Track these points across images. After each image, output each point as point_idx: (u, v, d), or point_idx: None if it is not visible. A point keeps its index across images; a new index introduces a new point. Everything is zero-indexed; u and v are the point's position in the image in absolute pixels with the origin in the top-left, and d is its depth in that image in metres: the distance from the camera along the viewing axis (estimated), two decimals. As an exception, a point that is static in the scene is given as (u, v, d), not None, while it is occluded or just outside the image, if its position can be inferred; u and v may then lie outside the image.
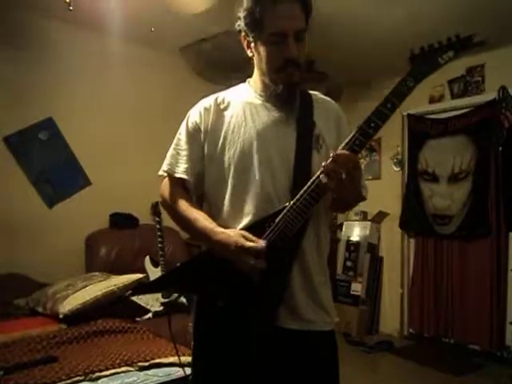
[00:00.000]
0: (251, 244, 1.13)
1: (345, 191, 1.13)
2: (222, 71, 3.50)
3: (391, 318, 4.49)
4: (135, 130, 3.75)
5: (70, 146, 3.48)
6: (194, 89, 3.02)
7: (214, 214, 1.27)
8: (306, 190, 1.14)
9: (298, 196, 1.14)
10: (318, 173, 1.12)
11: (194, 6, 2.96)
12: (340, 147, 1.11)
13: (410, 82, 1.10)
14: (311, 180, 1.13)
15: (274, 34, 1.18)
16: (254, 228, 1.18)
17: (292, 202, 1.15)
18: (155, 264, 3.30)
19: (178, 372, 1.98)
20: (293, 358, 1.22)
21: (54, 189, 3.40)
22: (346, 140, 1.11)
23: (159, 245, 3.19)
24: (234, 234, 1.17)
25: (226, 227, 1.21)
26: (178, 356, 1.70)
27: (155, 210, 3.22)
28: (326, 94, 1.41)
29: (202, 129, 1.29)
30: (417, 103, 4.09)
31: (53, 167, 3.40)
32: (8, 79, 3.19)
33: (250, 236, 1.15)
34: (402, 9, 3.07)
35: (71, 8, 2.76)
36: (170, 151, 1.34)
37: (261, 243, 1.13)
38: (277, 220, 1.16)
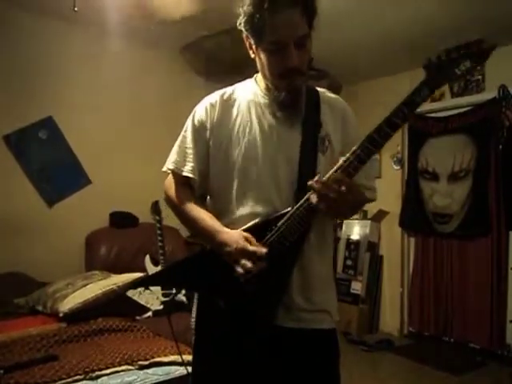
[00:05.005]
0: (252, 248, 1.13)
1: (338, 210, 1.13)
2: (223, 70, 3.49)
3: (391, 316, 4.49)
4: (135, 129, 3.75)
5: (69, 145, 3.47)
6: (193, 88, 3.02)
7: (218, 214, 1.27)
8: (308, 197, 1.13)
9: (301, 201, 1.14)
10: (309, 194, 1.10)
11: (173, 12, 2.97)
12: (348, 154, 1.08)
13: (423, 92, 1.05)
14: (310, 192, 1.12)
15: (273, 42, 1.15)
16: (255, 230, 1.18)
17: (295, 208, 1.14)
18: (155, 263, 3.30)
19: (177, 371, 1.98)
20: (292, 355, 1.22)
21: (53, 188, 3.39)
22: (354, 148, 1.08)
23: (159, 243, 3.19)
24: (238, 235, 1.17)
25: (229, 227, 1.21)
26: (179, 352, 1.69)
27: (155, 208, 3.22)
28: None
29: (208, 126, 1.28)
30: (417, 102, 4.08)
31: (53, 166, 3.40)
32: (8, 78, 3.19)
33: (253, 240, 1.15)
34: (402, 9, 3.06)
35: (76, 9, 2.75)
36: (175, 148, 1.33)
37: (262, 249, 1.13)
38: (279, 224, 1.16)
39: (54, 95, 3.37)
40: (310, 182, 1.08)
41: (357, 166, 1.08)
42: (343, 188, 1.05)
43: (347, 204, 1.11)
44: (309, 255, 1.22)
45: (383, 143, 1.07)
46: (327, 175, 1.09)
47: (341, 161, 1.09)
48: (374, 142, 1.07)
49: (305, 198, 1.13)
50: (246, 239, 1.15)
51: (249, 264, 1.11)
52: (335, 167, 1.09)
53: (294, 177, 1.20)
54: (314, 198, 1.09)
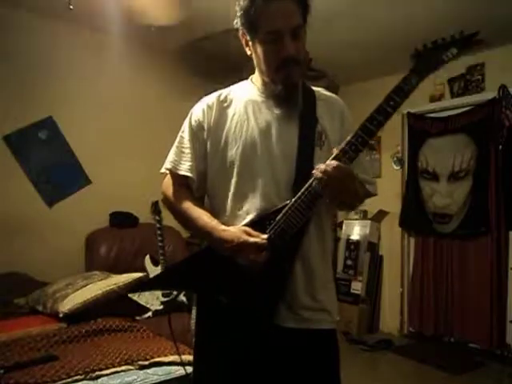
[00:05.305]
0: (253, 239, 1.14)
1: (339, 197, 1.16)
2: (222, 70, 3.49)
3: (391, 316, 4.49)
4: (135, 129, 3.75)
5: (69, 145, 3.47)
6: (193, 88, 3.01)
7: (216, 212, 1.27)
8: (306, 188, 1.14)
9: (298, 194, 1.15)
10: (311, 180, 1.12)
11: (161, 19, 2.98)
12: (342, 144, 1.11)
13: (413, 79, 1.08)
14: (310, 180, 1.13)
15: (269, 32, 1.17)
16: (254, 226, 1.19)
17: (293, 200, 1.15)
18: (155, 263, 3.30)
19: (177, 371, 1.98)
20: (292, 356, 1.23)
21: (53, 188, 3.39)
22: (348, 138, 1.11)
23: (159, 243, 3.20)
24: (237, 229, 1.18)
25: (227, 225, 1.22)
26: (179, 353, 1.70)
27: (155, 208, 3.22)
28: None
29: (205, 127, 1.29)
30: (417, 102, 4.08)
31: (53, 166, 3.40)
32: (8, 78, 3.19)
33: (252, 231, 1.16)
34: (401, 8, 3.06)
35: (71, 7, 2.76)
36: (173, 149, 1.34)
37: (262, 238, 1.14)
38: (277, 218, 1.16)
39: (54, 95, 3.37)
40: (313, 171, 1.11)
41: (351, 156, 1.11)
42: (341, 174, 1.09)
43: (349, 191, 1.15)
44: (310, 250, 1.23)
45: (376, 131, 1.10)
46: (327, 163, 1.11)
47: (336, 151, 1.12)
48: (367, 131, 1.09)
49: (306, 185, 1.14)
50: (246, 232, 1.16)
51: (253, 255, 1.13)
52: (330, 158, 1.12)
53: (291, 171, 1.21)
54: (316, 184, 1.11)
